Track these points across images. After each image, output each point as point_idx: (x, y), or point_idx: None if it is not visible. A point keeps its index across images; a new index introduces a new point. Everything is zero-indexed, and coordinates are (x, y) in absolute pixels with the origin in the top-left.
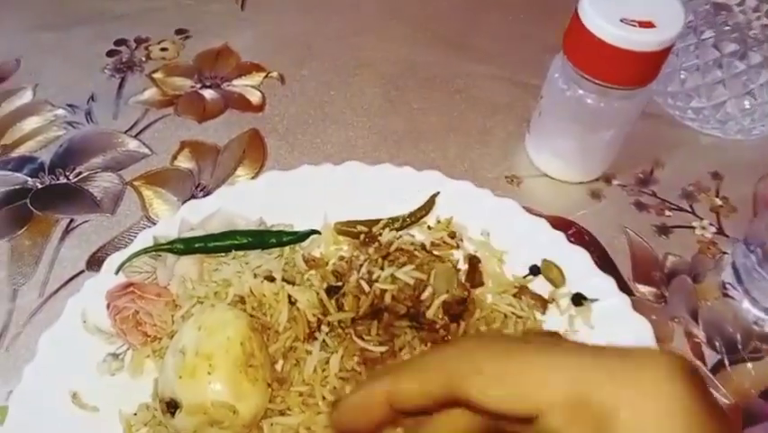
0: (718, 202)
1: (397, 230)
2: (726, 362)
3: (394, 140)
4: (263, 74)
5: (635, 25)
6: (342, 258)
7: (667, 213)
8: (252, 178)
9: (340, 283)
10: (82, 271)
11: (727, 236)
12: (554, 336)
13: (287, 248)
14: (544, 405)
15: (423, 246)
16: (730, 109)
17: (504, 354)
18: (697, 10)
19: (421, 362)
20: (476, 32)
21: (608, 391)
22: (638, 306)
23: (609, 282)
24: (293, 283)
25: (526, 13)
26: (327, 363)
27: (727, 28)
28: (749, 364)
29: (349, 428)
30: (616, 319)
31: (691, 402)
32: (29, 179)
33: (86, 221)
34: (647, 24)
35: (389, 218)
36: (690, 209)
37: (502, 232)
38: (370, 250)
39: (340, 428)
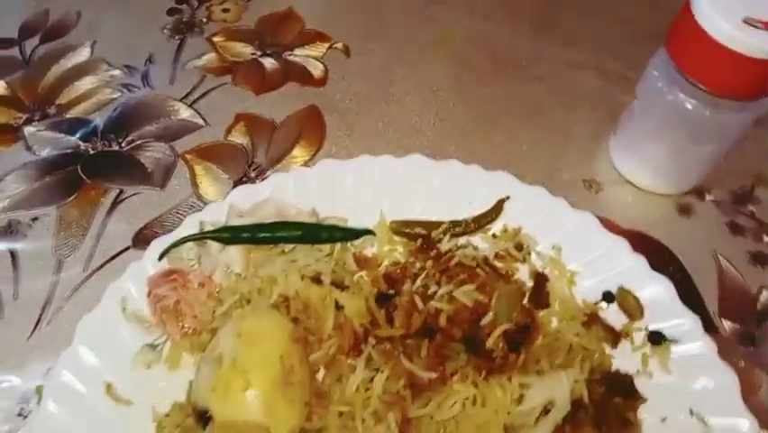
0: None
1: (459, 236)
2: None
3: (463, 129)
4: (327, 44)
5: (759, 27)
6: (396, 263)
7: (766, 239)
8: (308, 160)
9: (392, 292)
10: (128, 248)
11: None
12: None
13: (338, 245)
14: None
15: (486, 260)
16: None
17: None
18: None
19: None
20: (563, 10)
21: None
22: (722, 347)
23: (695, 322)
24: (342, 287)
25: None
26: (371, 381)
27: None
28: None
29: None
30: (697, 366)
31: None
32: (81, 143)
33: (136, 193)
34: None
35: (451, 222)
36: None
37: (576, 249)
38: (428, 260)
39: None
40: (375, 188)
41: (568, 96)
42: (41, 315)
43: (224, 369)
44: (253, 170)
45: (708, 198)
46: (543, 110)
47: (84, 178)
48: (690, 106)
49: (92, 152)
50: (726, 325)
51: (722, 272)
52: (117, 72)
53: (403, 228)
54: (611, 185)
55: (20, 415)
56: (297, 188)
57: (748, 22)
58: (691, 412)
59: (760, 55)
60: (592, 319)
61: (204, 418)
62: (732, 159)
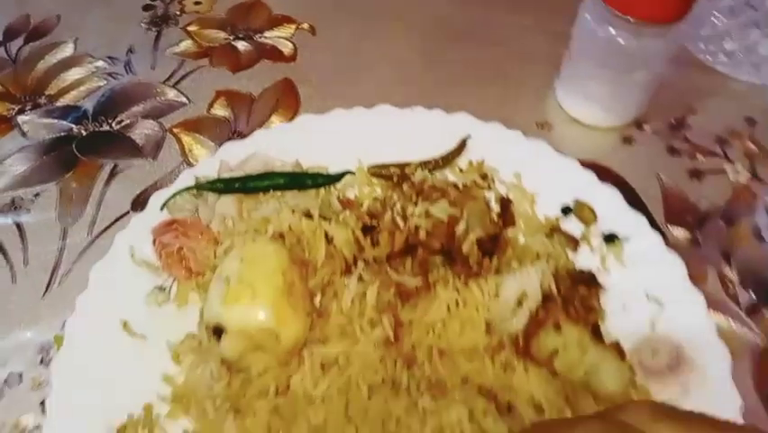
0: (752, 147)
1: (430, 171)
2: (761, 303)
3: (426, 89)
4: (294, 26)
5: None
6: (376, 199)
7: (700, 158)
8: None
9: (375, 223)
10: (127, 212)
11: (761, 181)
12: None
13: (322, 189)
14: None
15: (455, 185)
16: (763, 51)
17: None
18: None
19: None
20: None
21: None
22: (671, 248)
23: (641, 221)
24: (330, 220)
25: None
26: (364, 295)
27: None
28: None
29: None
30: (648, 258)
31: None
32: (73, 126)
33: (130, 166)
34: None
35: (421, 161)
36: (723, 154)
37: (533, 173)
38: (404, 187)
39: None
40: (350, 137)
41: (518, 55)
42: (51, 277)
43: (231, 285)
44: (237, 136)
45: (647, 128)
46: (497, 69)
47: (79, 156)
48: (619, 39)
49: (84, 133)
50: (673, 230)
51: (665, 188)
52: (101, 63)
53: (379, 170)
54: (560, 124)
55: (42, 363)
56: (280, 143)
57: None
58: (647, 296)
59: None
60: (554, 230)
61: (218, 331)
62: (664, 94)
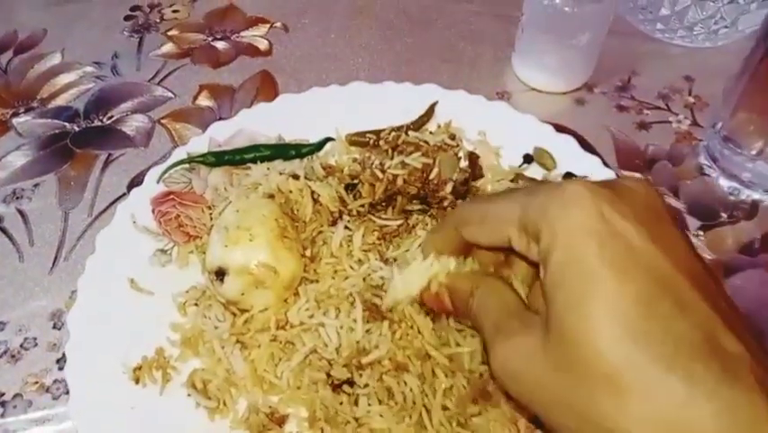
0: (691, 100)
1: (404, 134)
2: (707, 226)
3: (392, 70)
4: (268, 25)
5: None
6: (355, 160)
7: (646, 112)
8: None
9: (356, 182)
10: (124, 194)
11: (702, 127)
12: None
13: (305, 159)
14: (509, 233)
15: (426, 142)
16: (694, 14)
17: (483, 206)
18: None
19: (445, 219)
20: None
21: (537, 211)
22: None
23: (596, 161)
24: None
25: None
26: (351, 239)
27: None
28: (728, 227)
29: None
30: None
31: (593, 213)
32: (66, 124)
33: (123, 154)
34: None
35: (395, 127)
36: (666, 107)
37: (496, 130)
38: (381, 144)
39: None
40: (328, 111)
41: (473, 36)
42: (56, 254)
43: (230, 231)
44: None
45: (596, 90)
46: (455, 49)
47: (75, 149)
48: (563, 6)
49: (78, 129)
50: (625, 173)
51: (616, 139)
52: (89, 68)
53: (356, 138)
54: (518, 93)
55: (54, 328)
56: (263, 120)
57: None
58: None
59: None
60: (518, 176)
61: (221, 274)
62: (609, 61)
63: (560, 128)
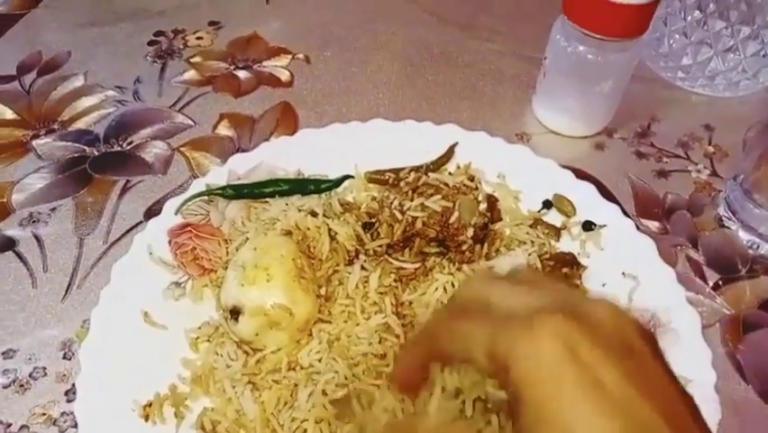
0: (711, 149)
1: (423, 174)
2: (726, 280)
3: (412, 107)
4: (290, 56)
5: None
6: (373, 199)
7: (665, 160)
8: None
9: (373, 220)
10: (140, 222)
11: (721, 177)
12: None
13: (323, 194)
14: (477, 356)
15: (446, 184)
16: (715, 65)
17: (454, 324)
18: None
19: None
20: (483, 14)
21: (506, 344)
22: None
23: (615, 210)
24: (332, 219)
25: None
26: (367, 280)
27: None
28: (746, 282)
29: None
30: (623, 241)
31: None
32: (86, 148)
33: (141, 181)
34: None
35: (414, 167)
36: (685, 156)
37: (516, 174)
38: (401, 185)
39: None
40: (347, 148)
41: (495, 76)
42: (70, 281)
43: (248, 270)
44: (241, 153)
45: (616, 136)
46: (475, 88)
47: (93, 174)
48: (587, 54)
49: (97, 153)
50: (644, 222)
51: (635, 186)
52: (111, 92)
53: (375, 176)
54: (538, 135)
55: (65, 358)
56: (283, 154)
57: None
58: (624, 274)
59: (628, 2)
60: (537, 222)
61: (235, 313)
62: (630, 107)
63: (579, 174)
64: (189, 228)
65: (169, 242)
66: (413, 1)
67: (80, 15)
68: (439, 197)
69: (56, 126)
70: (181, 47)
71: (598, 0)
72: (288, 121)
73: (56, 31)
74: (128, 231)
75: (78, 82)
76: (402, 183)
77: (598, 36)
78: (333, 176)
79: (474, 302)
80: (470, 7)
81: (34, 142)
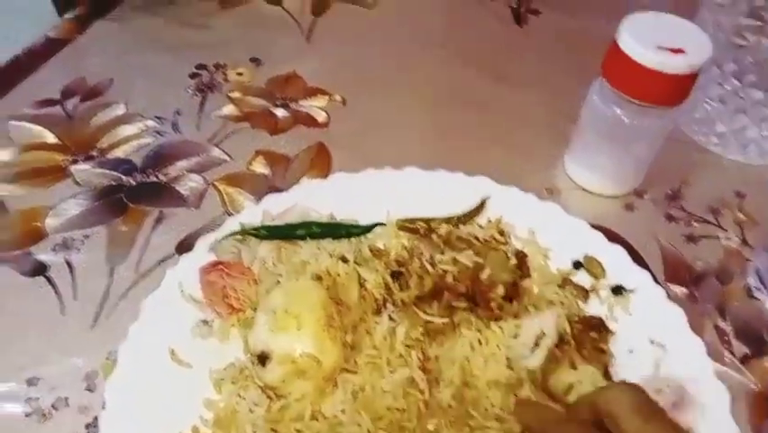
0: (742, 217)
1: (453, 226)
2: (754, 353)
3: (444, 153)
4: (327, 97)
5: (668, 52)
6: (403, 248)
7: (694, 224)
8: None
9: (402, 269)
10: (172, 255)
11: (751, 247)
12: None
13: (354, 239)
14: None
15: (477, 238)
16: (751, 134)
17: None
18: (719, 43)
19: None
20: (518, 64)
21: None
22: (671, 301)
23: (646, 276)
24: (362, 266)
25: (563, 54)
26: (394, 332)
27: (748, 61)
28: None
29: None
30: (652, 308)
31: None
32: (123, 176)
33: (174, 214)
34: (679, 51)
35: (445, 217)
36: (715, 222)
37: (546, 231)
38: (434, 237)
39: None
40: (380, 194)
41: (526, 126)
42: (99, 311)
43: (278, 315)
44: (274, 191)
45: (646, 197)
46: (506, 137)
47: (128, 203)
48: (624, 118)
49: (133, 183)
50: (672, 287)
51: (664, 250)
52: (150, 122)
53: (406, 224)
54: (567, 191)
55: (87, 389)
56: (316, 196)
57: (660, 48)
58: (651, 341)
59: (670, 72)
60: (566, 282)
61: (263, 358)
62: (662, 168)
63: (610, 235)
64: (220, 267)
65: (200, 279)
66: (449, 48)
67: (125, 44)
68: (470, 251)
69: (95, 153)
70: (221, 81)
71: (639, 66)
72: (322, 161)
73: (101, 58)
74: (159, 263)
75: (120, 110)
76: (434, 235)
77: (636, 102)
78: (364, 221)
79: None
80: (505, 57)
81: (73, 168)
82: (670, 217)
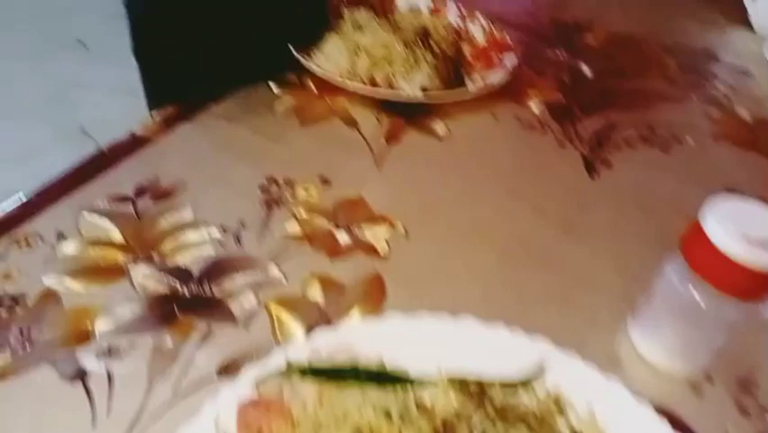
0: None
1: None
2: None
3: (503, 304)
4: (390, 226)
5: (757, 244)
6: (454, 410)
7: None
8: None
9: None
10: (213, 378)
11: None
12: None
13: (400, 389)
14: None
15: (533, 413)
16: None
17: None
18: None
19: None
20: (586, 216)
21: None
22: None
23: None
24: (405, 422)
25: (634, 211)
26: None
27: None
28: None
29: None
30: None
31: None
32: (179, 285)
33: (222, 332)
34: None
35: (501, 382)
36: None
37: (607, 410)
38: (488, 408)
39: None
40: (433, 342)
41: (591, 285)
42: (131, 430)
43: None
44: (325, 321)
45: (716, 381)
46: (569, 294)
47: (178, 314)
48: (701, 303)
49: (188, 295)
50: None
51: None
52: (214, 231)
53: (458, 382)
54: (630, 361)
55: None
56: (367, 337)
57: (746, 238)
58: None
59: (757, 268)
60: None
61: None
62: (734, 350)
63: (676, 423)
64: (259, 404)
65: (237, 414)
66: (517, 192)
67: (203, 149)
68: (525, 427)
69: (155, 256)
70: (289, 197)
71: (724, 257)
72: (376, 295)
73: (178, 160)
74: (200, 385)
75: (187, 215)
76: (487, 402)
77: (717, 290)
78: (414, 369)
79: None
80: (575, 209)
81: (132, 270)
82: (742, 409)
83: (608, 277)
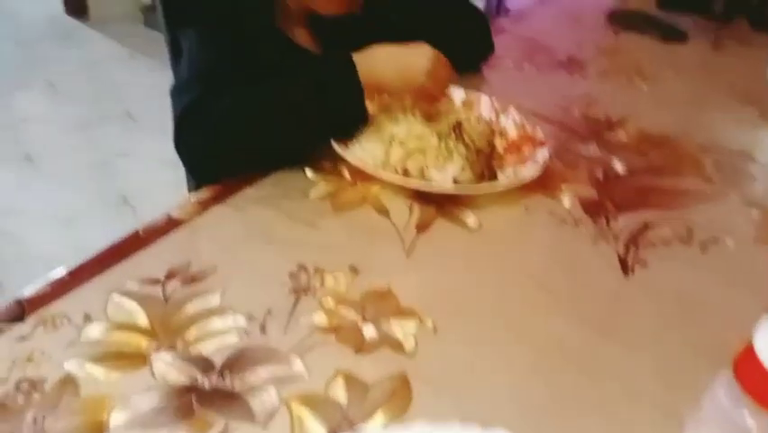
0: None
1: None
2: None
3: (537, 412)
4: (419, 321)
5: None
6: None
7: None
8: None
9: None
10: None
11: None
12: None
13: None
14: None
15: None
16: None
17: None
18: None
19: None
20: (624, 318)
21: None
22: None
23: None
24: None
25: (675, 314)
26: None
27: None
28: None
29: None
30: None
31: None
32: (199, 376)
33: (240, 430)
34: None
35: None
36: None
37: None
38: None
39: None
40: None
41: (632, 396)
42: None
43: None
44: (347, 423)
45: None
46: (608, 405)
47: (196, 408)
48: (751, 426)
49: (207, 387)
50: None
51: None
52: (240, 319)
53: None
54: None
55: None
56: None
57: None
58: None
59: None
60: None
61: None
62: None
63: None
64: None
65: None
66: (550, 289)
67: (235, 233)
68: None
69: (178, 345)
70: (317, 285)
71: None
72: (402, 395)
73: (210, 243)
74: None
75: (214, 300)
76: None
77: None
78: None
79: None
80: (611, 310)
81: (154, 358)
82: None
83: (651, 385)
